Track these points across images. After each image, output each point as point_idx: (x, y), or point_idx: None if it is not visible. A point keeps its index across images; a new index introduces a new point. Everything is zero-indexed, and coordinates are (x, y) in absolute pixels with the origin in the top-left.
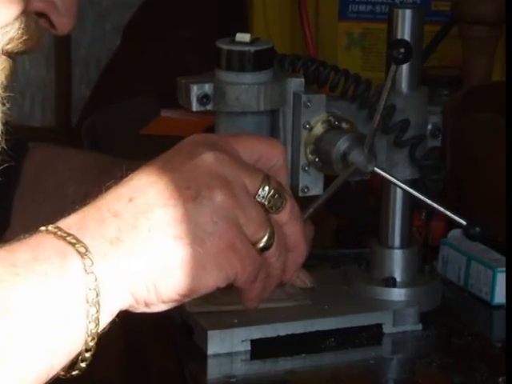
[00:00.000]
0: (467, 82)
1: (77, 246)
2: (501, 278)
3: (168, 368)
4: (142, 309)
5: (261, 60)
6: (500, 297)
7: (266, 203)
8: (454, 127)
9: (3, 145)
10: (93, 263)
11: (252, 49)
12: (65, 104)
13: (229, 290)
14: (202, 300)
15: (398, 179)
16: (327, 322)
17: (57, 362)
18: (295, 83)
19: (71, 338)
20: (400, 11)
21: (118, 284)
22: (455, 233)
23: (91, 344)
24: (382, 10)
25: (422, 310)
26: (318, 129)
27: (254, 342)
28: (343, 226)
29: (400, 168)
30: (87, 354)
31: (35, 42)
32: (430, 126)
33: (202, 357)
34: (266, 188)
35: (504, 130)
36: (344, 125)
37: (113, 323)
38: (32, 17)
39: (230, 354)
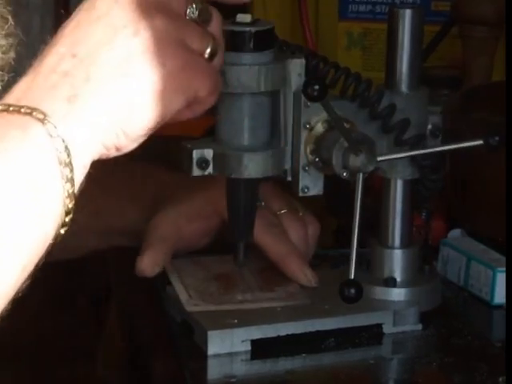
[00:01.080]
0: (467, 82)
1: (34, 113)
2: (501, 278)
3: (168, 368)
4: (113, 154)
5: (261, 40)
6: (500, 297)
7: (198, 18)
8: (453, 127)
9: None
10: (56, 126)
11: (253, 29)
12: None
13: (229, 290)
14: (201, 300)
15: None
16: (327, 322)
17: (49, 228)
18: (295, 64)
19: (54, 203)
20: (400, 11)
21: (86, 139)
22: (455, 233)
23: (70, 206)
24: (381, 9)
25: (422, 309)
26: (319, 129)
27: (254, 342)
28: (343, 226)
29: (400, 168)
30: (67, 219)
31: None
32: (429, 126)
33: (202, 357)
34: (194, 5)
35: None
36: (344, 125)
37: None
38: None
39: (230, 354)
